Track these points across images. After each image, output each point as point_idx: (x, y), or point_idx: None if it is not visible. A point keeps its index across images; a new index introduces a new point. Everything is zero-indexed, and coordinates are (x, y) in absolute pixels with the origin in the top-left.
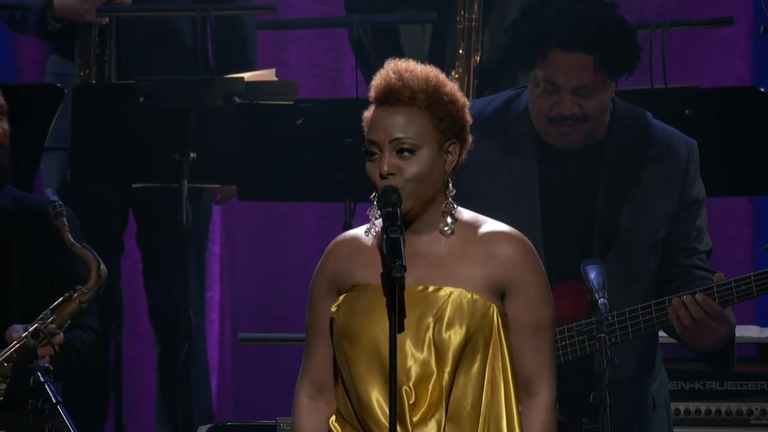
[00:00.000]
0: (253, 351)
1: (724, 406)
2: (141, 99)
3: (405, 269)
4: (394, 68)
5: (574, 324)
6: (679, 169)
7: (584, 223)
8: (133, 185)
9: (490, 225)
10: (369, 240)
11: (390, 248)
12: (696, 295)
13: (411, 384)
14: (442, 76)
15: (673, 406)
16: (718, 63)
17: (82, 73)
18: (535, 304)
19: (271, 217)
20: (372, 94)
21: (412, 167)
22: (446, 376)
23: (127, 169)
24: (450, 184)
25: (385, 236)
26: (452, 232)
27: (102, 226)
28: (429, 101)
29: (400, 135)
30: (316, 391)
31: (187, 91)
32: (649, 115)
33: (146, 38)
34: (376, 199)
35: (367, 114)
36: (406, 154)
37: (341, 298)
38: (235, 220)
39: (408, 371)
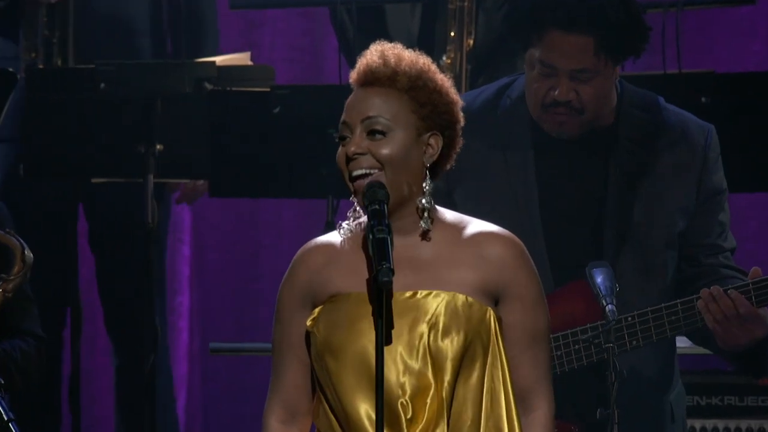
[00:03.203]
0: (225, 362)
1: (744, 424)
2: (102, 85)
3: (393, 272)
4: (377, 49)
5: (587, 327)
6: (695, 156)
7: (593, 217)
8: (93, 180)
9: (477, 225)
10: (344, 244)
11: (376, 249)
12: (729, 291)
13: (407, 397)
14: (434, 66)
15: (689, 423)
16: (737, 46)
17: (28, 57)
18: (533, 311)
19: (245, 216)
20: (352, 76)
21: (385, 149)
22: (446, 386)
23: (87, 163)
24: (428, 179)
25: (370, 236)
26: (428, 230)
27: (54, 226)
28: (411, 84)
29: (372, 114)
30: (288, 416)
31: (152, 76)
32: (661, 99)
33: (98, 20)
34: (356, 198)
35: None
36: (378, 135)
37: (317, 310)
38: (206, 219)
39: (403, 384)
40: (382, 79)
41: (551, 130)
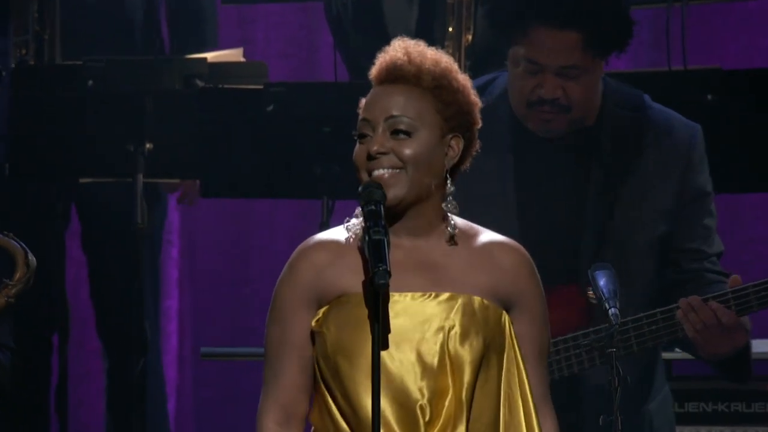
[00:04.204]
0: (217, 367)
1: (751, 431)
2: (90, 82)
3: (390, 275)
4: (401, 45)
5: (590, 331)
6: (679, 156)
7: (573, 219)
8: (81, 180)
9: (488, 234)
10: (350, 242)
11: (372, 251)
12: (709, 302)
13: (426, 400)
14: (455, 66)
15: (695, 430)
16: (744, 41)
17: (19, 53)
18: (541, 325)
19: (237, 217)
20: (373, 72)
21: (408, 149)
22: (465, 389)
23: (75, 163)
24: (449, 182)
25: (366, 238)
26: (453, 234)
27: (41, 226)
28: (435, 83)
29: (396, 113)
30: (284, 418)
31: (142, 73)
32: (646, 97)
33: (91, 16)
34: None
35: (366, 97)
36: (402, 135)
37: (324, 309)
38: (197, 219)
39: (421, 388)
40: (406, 76)
41: (537, 128)
